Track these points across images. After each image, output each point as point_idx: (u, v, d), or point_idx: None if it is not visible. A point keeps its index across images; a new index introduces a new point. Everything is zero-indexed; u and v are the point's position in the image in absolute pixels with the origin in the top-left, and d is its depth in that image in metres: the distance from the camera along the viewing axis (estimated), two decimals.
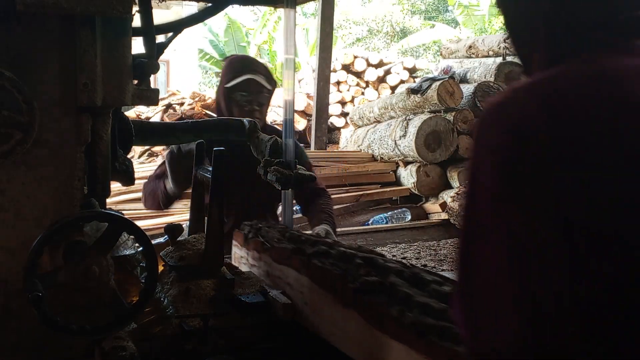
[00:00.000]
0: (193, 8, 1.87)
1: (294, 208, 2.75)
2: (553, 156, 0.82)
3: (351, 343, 1.31)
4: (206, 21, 1.83)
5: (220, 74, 2.66)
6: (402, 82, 9.79)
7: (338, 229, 2.65)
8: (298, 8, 1.98)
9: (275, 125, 3.05)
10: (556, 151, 0.82)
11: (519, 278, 0.82)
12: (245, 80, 2.56)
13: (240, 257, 1.97)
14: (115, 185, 1.48)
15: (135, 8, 1.32)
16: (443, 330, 1.06)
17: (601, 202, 0.80)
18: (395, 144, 6.18)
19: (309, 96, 9.09)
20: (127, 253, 1.32)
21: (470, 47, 7.56)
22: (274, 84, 2.66)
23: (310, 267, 1.48)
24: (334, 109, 9.28)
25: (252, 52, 14.00)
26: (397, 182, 6.45)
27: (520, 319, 0.81)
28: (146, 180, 2.74)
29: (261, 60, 13.39)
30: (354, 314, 1.28)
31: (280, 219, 2.67)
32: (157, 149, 7.54)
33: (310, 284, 1.48)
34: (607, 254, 0.81)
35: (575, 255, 0.80)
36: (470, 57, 7.54)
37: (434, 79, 6.07)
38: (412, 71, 10.10)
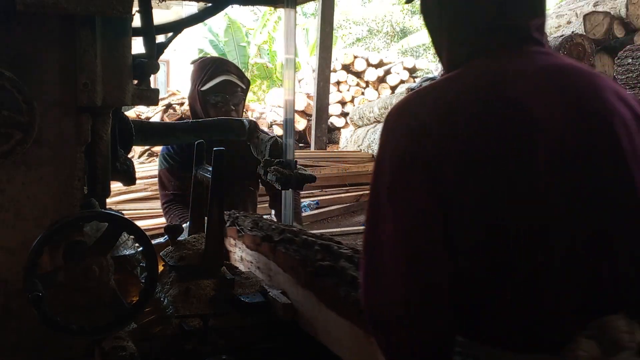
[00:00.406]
0: (193, 8, 1.87)
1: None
2: (438, 153, 0.97)
3: (309, 320, 1.48)
4: (206, 21, 1.82)
5: (191, 77, 2.69)
6: (402, 82, 9.79)
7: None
8: (298, 8, 1.98)
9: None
10: (441, 150, 0.98)
11: (407, 254, 0.98)
12: (220, 82, 2.57)
13: None
14: (115, 185, 1.48)
15: (135, 8, 1.32)
16: None
17: (470, 187, 0.97)
18: None
19: (309, 96, 9.09)
20: (127, 253, 1.32)
21: None
22: (247, 82, 2.69)
23: (276, 252, 1.67)
24: (334, 109, 9.28)
25: (252, 52, 14.00)
26: None
27: (406, 288, 0.97)
28: (166, 208, 2.67)
29: (261, 61, 13.37)
30: (311, 294, 1.45)
31: (274, 216, 2.67)
32: (157, 149, 7.54)
33: (276, 268, 1.67)
34: (478, 234, 0.97)
35: (452, 235, 0.97)
36: None
37: (434, 79, 6.07)
38: (412, 71, 10.10)
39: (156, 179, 3.13)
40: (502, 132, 0.97)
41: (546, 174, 0.97)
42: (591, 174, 0.99)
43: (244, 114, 2.78)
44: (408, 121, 1.03)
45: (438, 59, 1.18)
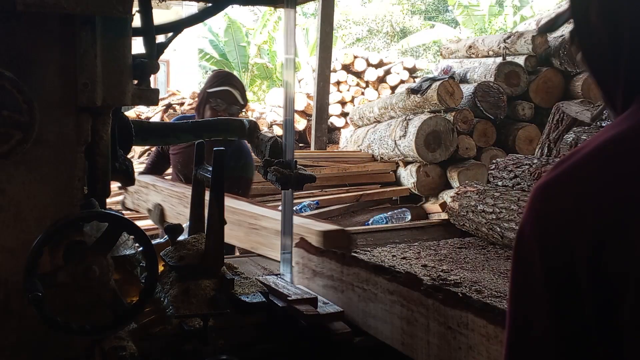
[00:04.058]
0: (193, 8, 1.87)
1: (295, 208, 2.78)
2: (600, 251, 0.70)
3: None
4: (206, 21, 1.82)
5: (206, 80, 3.28)
6: (402, 82, 9.78)
7: None
8: (298, 8, 1.98)
9: None
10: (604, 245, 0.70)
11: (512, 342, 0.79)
12: (224, 90, 3.05)
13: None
14: (115, 185, 1.48)
15: (135, 8, 1.32)
16: None
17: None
18: (395, 144, 6.17)
19: (309, 96, 9.08)
20: (127, 253, 1.32)
21: (470, 47, 7.56)
22: (246, 101, 3.21)
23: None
24: (334, 109, 9.27)
25: (252, 52, 14.00)
26: (397, 182, 6.44)
27: None
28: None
29: (261, 61, 13.35)
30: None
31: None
32: None
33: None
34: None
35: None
36: (470, 57, 7.54)
37: (434, 79, 6.06)
38: (412, 71, 10.09)
39: None
40: None
41: None
42: None
43: (245, 114, 3.04)
44: (562, 213, 0.74)
45: (607, 105, 0.87)
